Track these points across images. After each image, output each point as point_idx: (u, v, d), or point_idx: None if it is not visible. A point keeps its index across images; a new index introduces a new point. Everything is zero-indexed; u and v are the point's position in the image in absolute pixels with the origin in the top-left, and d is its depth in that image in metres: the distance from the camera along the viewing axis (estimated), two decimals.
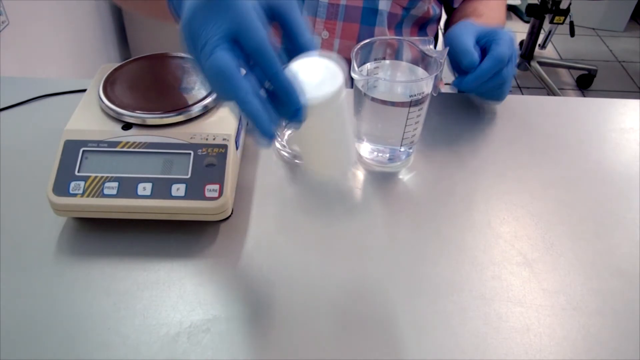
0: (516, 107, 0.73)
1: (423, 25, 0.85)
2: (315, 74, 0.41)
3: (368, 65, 0.61)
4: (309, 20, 0.77)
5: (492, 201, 0.59)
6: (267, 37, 0.38)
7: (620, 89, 2.42)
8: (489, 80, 0.63)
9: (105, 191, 0.51)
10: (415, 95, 0.56)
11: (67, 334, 0.46)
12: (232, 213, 0.55)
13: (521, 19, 2.92)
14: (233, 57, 0.38)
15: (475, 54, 0.62)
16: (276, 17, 0.41)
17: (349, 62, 0.81)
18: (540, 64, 2.35)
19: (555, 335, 0.47)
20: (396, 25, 0.80)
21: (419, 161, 0.64)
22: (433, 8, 0.82)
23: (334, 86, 0.40)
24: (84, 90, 0.59)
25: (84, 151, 0.53)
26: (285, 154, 0.63)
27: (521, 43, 2.41)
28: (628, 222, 0.57)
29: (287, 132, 0.63)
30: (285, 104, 0.39)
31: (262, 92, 0.39)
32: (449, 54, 0.65)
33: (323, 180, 0.60)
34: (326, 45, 0.78)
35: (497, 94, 0.68)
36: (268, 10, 0.41)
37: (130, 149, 0.53)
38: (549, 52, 2.63)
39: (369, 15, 0.76)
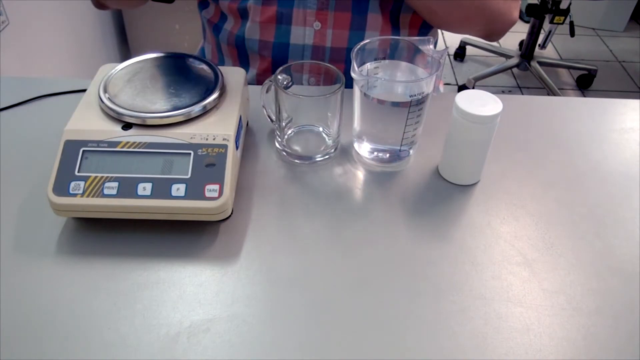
0: (516, 107, 0.73)
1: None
2: (479, 99, 0.56)
3: (368, 65, 0.61)
4: (300, 12, 0.75)
5: (492, 201, 0.59)
6: None
7: (620, 89, 2.42)
8: None
9: (105, 191, 0.51)
10: (415, 95, 0.56)
11: (67, 333, 0.46)
12: (232, 213, 0.55)
13: (521, 19, 2.92)
14: None
15: None
16: None
17: (343, 51, 0.80)
18: (540, 64, 2.35)
19: (555, 335, 0.47)
20: (391, 10, 0.77)
21: (419, 161, 0.64)
22: None
23: (498, 107, 0.55)
24: (84, 90, 0.59)
25: (84, 151, 0.53)
26: (285, 154, 0.63)
27: (521, 43, 2.41)
28: (628, 222, 0.57)
29: (287, 132, 0.63)
30: None
31: None
32: None
33: (455, 183, 0.61)
34: (319, 37, 0.77)
35: None
36: None
37: (130, 149, 0.53)
38: (549, 52, 2.63)
39: (360, 2, 0.75)
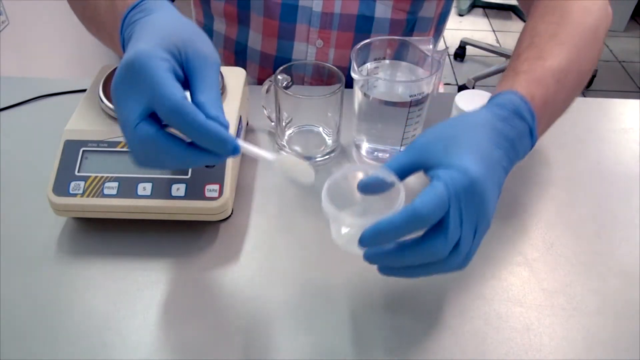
0: None
1: (440, 22, 0.81)
2: (479, 99, 0.55)
3: (368, 65, 0.61)
4: (303, 28, 0.75)
5: None
6: (181, 98, 0.37)
7: (620, 89, 2.42)
8: (403, 253, 0.40)
9: (105, 191, 0.51)
10: (415, 95, 0.56)
11: (67, 334, 0.46)
12: (232, 213, 0.55)
13: (521, 19, 2.92)
14: (155, 129, 0.38)
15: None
16: (188, 74, 0.40)
17: (344, 70, 0.80)
18: None
19: (555, 335, 0.47)
20: (404, 33, 0.76)
21: None
22: (446, 1, 0.77)
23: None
24: (84, 90, 0.59)
25: (84, 151, 0.53)
26: (285, 154, 0.63)
27: None
28: (628, 222, 0.57)
29: (287, 132, 0.63)
30: (219, 147, 0.38)
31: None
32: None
33: None
34: (321, 55, 0.77)
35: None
36: (186, 64, 0.40)
37: None
38: None
39: (364, 22, 0.74)
